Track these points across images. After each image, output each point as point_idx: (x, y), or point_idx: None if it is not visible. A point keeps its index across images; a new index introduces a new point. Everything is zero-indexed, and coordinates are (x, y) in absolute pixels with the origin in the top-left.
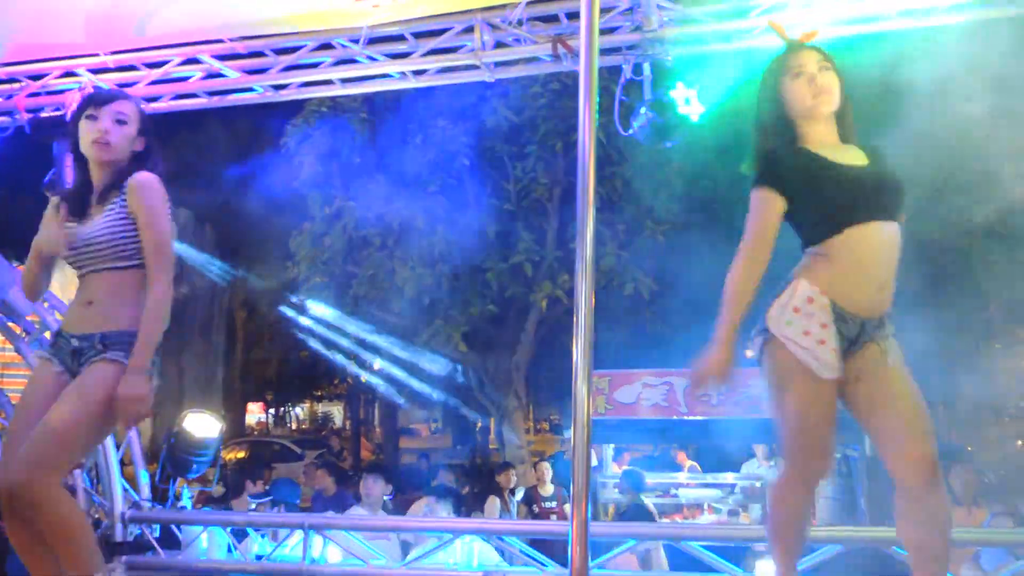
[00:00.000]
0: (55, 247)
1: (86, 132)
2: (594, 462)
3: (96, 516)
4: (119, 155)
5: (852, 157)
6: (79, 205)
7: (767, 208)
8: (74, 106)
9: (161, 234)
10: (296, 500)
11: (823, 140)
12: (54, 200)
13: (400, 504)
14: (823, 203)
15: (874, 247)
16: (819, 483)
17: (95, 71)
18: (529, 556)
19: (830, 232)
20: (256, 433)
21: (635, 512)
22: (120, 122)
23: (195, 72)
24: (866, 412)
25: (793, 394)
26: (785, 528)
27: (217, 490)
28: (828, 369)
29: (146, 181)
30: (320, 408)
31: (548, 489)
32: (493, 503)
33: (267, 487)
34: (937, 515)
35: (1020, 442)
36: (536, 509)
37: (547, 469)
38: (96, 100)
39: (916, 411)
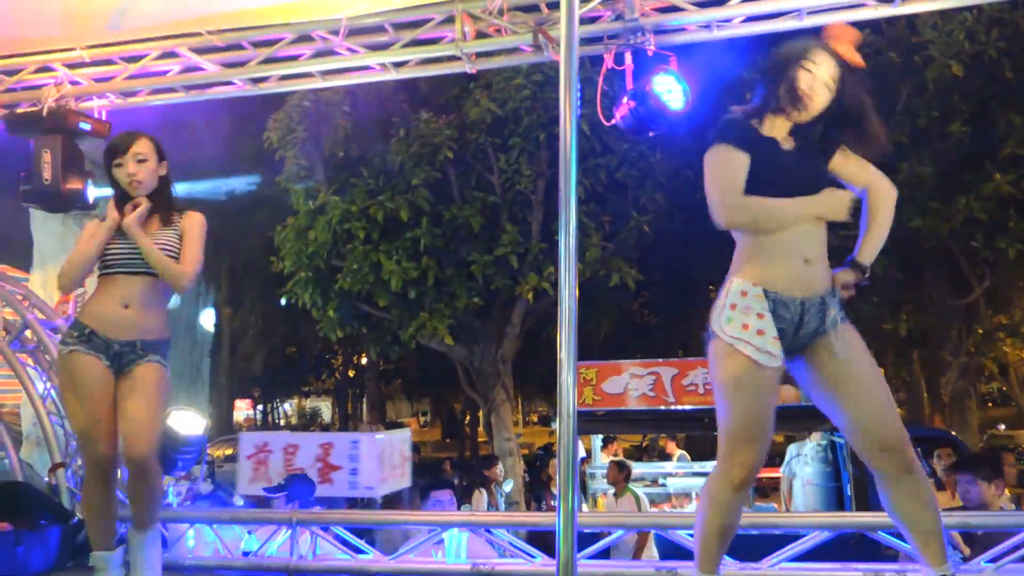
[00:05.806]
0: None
1: (120, 178)
2: (582, 452)
3: (80, 515)
4: (150, 186)
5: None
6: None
7: (733, 163)
8: (103, 159)
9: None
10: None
11: (779, 129)
12: (106, 211)
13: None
14: (752, 181)
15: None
16: (748, 481)
17: (71, 66)
18: (518, 548)
19: None
20: (244, 429)
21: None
22: (141, 161)
23: (173, 66)
24: (831, 400)
25: (738, 388)
26: (709, 528)
27: (205, 487)
28: (769, 357)
29: (201, 218)
30: (308, 403)
31: None
32: (480, 496)
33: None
34: (920, 493)
35: (1003, 426)
36: (544, 507)
37: None
38: (117, 150)
39: (884, 400)
